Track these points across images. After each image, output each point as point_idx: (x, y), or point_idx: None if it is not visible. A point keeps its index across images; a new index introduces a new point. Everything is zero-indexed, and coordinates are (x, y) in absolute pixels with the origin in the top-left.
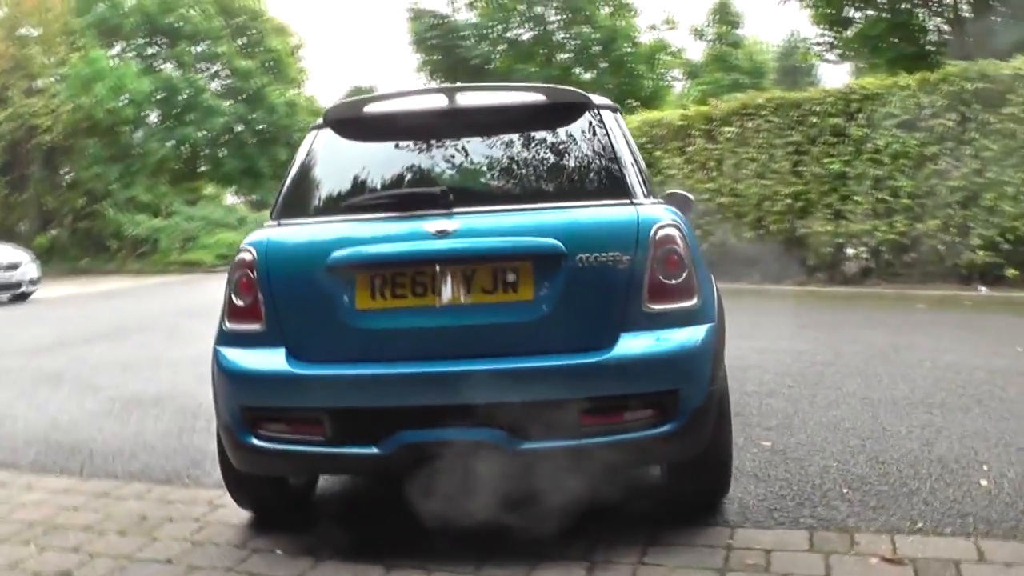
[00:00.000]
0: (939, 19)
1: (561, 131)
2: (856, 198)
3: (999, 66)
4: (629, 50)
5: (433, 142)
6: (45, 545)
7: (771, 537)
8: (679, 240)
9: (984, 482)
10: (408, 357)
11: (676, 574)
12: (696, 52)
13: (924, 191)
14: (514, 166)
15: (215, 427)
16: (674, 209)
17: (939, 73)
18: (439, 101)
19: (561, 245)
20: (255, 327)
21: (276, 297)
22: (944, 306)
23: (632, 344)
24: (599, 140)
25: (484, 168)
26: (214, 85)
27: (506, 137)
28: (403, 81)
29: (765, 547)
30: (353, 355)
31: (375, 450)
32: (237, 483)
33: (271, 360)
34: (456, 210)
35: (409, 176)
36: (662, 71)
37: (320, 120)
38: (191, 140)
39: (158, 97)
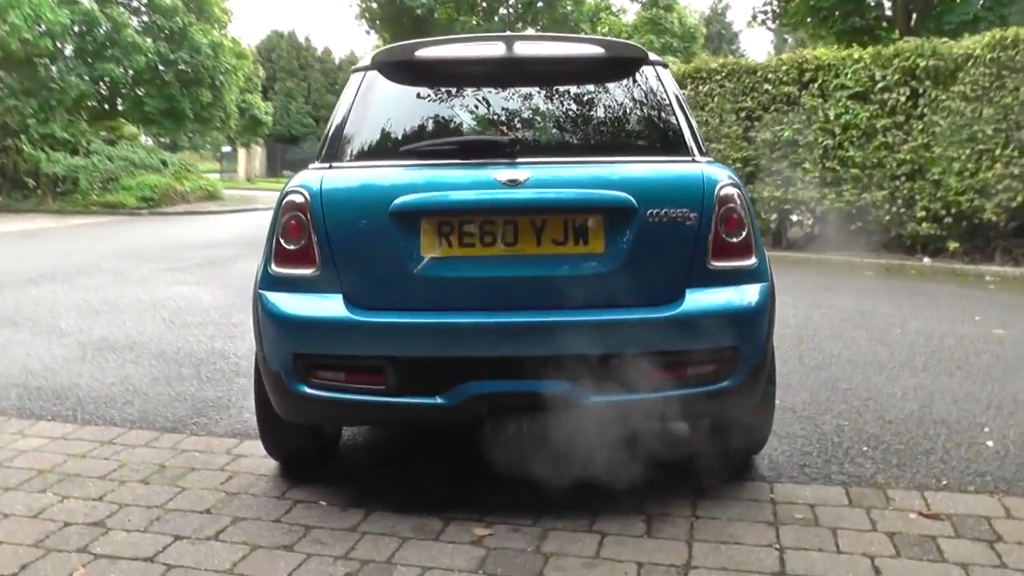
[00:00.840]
0: None
1: (620, 85)
2: (806, 166)
3: (951, 45)
4: (569, 8)
5: (489, 90)
6: (64, 494)
7: (810, 492)
8: (739, 199)
9: (990, 443)
10: (475, 307)
11: (731, 527)
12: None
13: (873, 162)
14: (575, 118)
15: (202, 373)
16: (731, 169)
17: (892, 48)
18: (495, 49)
19: (632, 199)
20: (308, 271)
21: (332, 241)
22: (891, 274)
23: (698, 300)
24: (658, 96)
25: (545, 119)
26: (135, 21)
27: (565, 88)
28: (336, 28)
29: (808, 502)
30: (417, 303)
31: (440, 400)
32: (273, 431)
33: (328, 306)
34: (520, 160)
35: (467, 124)
36: (604, 30)
37: (366, 62)
38: (112, 76)
39: (76, 31)
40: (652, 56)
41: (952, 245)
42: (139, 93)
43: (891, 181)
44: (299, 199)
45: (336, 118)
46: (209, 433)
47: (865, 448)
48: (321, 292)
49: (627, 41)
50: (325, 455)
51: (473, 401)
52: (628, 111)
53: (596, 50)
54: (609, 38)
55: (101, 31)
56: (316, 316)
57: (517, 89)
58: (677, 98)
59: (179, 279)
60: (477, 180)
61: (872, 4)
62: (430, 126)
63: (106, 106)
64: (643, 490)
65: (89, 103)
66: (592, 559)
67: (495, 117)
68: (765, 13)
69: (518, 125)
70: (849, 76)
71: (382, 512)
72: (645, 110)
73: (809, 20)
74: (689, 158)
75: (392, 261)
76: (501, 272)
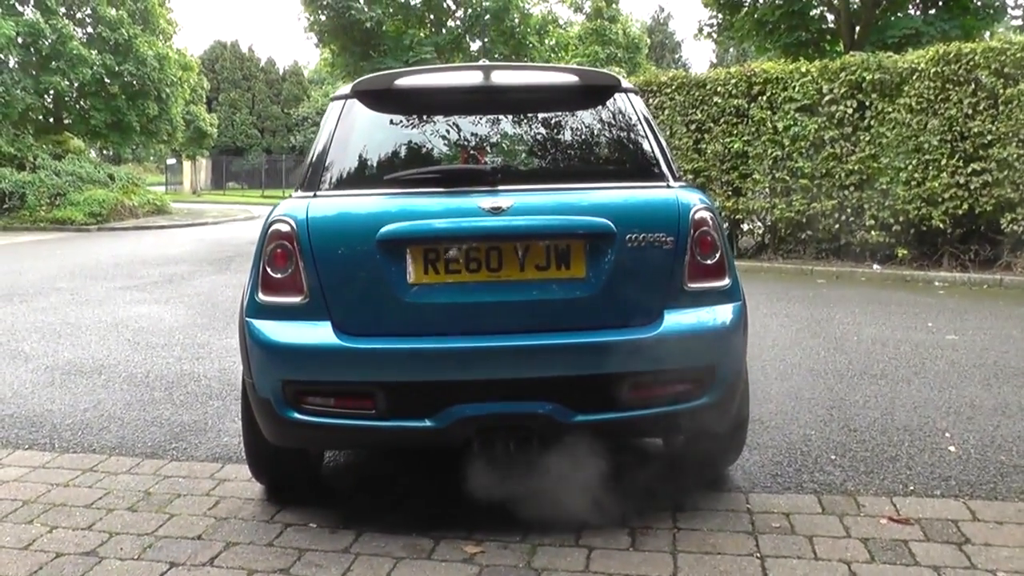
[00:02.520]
0: (823, 7)
1: (594, 112)
2: (755, 176)
3: (896, 59)
4: (516, 20)
5: (468, 118)
6: (52, 523)
7: (784, 501)
8: (711, 222)
9: (952, 448)
10: (461, 332)
11: (712, 537)
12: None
13: (822, 172)
14: (552, 145)
15: (175, 396)
16: (702, 193)
17: (839, 62)
18: (473, 78)
19: (611, 225)
20: (295, 300)
21: (320, 270)
22: (842, 282)
23: (676, 321)
24: (631, 122)
25: (524, 146)
26: (80, 33)
27: (542, 116)
28: (280, 38)
29: (783, 511)
30: (405, 329)
31: (429, 423)
32: (260, 455)
33: (317, 334)
34: (502, 188)
35: (448, 152)
36: (552, 43)
37: (345, 91)
38: (57, 89)
39: (20, 42)
40: (624, 83)
41: (901, 252)
42: (85, 106)
43: (840, 190)
44: (285, 228)
45: (318, 146)
46: (190, 458)
47: (833, 456)
48: (309, 320)
49: (600, 70)
50: (310, 478)
51: (461, 423)
52: (603, 138)
53: (570, 78)
54: (582, 67)
55: (46, 43)
56: (305, 344)
57: (495, 117)
58: (649, 123)
59: (137, 298)
60: (461, 208)
61: (816, 18)
62: (412, 154)
63: (52, 119)
64: (624, 504)
65: (35, 116)
66: (582, 573)
67: (475, 145)
68: (711, 26)
69: (498, 153)
70: (797, 89)
71: (372, 533)
72: (619, 136)
73: (755, 34)
74: (664, 183)
75: (379, 288)
76: (486, 297)
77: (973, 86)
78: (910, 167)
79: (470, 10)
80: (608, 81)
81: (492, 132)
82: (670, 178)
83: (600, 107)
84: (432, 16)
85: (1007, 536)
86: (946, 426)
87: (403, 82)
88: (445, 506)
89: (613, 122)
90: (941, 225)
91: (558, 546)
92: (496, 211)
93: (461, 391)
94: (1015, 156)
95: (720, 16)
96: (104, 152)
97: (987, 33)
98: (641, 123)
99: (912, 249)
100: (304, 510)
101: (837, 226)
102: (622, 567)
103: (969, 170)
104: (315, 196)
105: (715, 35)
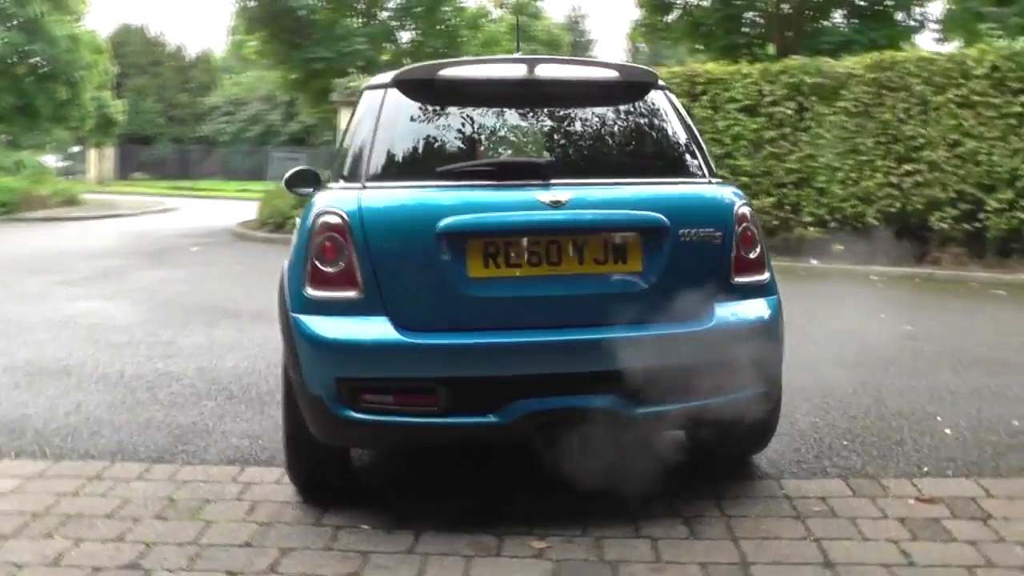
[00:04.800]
0: (754, 12)
1: (636, 107)
2: None
3: (834, 64)
4: (448, 11)
5: (512, 111)
6: (75, 536)
7: (815, 486)
8: (752, 217)
9: (948, 431)
10: (522, 326)
11: (764, 523)
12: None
13: (761, 171)
14: (596, 140)
15: (161, 397)
16: (738, 188)
17: (780, 65)
18: (516, 71)
19: (665, 220)
20: (349, 294)
21: (376, 263)
22: (783, 276)
23: (726, 314)
24: (671, 118)
25: (569, 141)
26: None
27: (585, 111)
28: (191, 23)
29: (817, 495)
30: (465, 324)
31: (493, 419)
32: (302, 455)
33: (375, 329)
34: (554, 181)
35: (495, 145)
36: (484, 37)
37: (382, 80)
38: None
39: None
40: (660, 80)
41: (837, 247)
42: None
43: (779, 188)
44: (335, 220)
45: (358, 136)
46: (202, 461)
47: (845, 442)
48: (365, 315)
49: (640, 66)
50: (348, 478)
51: (526, 418)
52: (645, 133)
53: (611, 73)
54: (622, 62)
55: None
56: (364, 340)
57: (540, 110)
58: (686, 119)
59: (78, 293)
60: (522, 201)
61: (750, 22)
62: (459, 147)
63: None
64: (669, 494)
65: None
66: (656, 563)
67: (523, 139)
68: (646, 26)
69: (546, 147)
70: (739, 90)
71: (431, 532)
72: (660, 132)
73: (691, 35)
74: (705, 179)
75: (438, 282)
76: (547, 291)
77: (906, 92)
78: (846, 167)
79: (403, 1)
80: (647, 77)
81: (537, 126)
82: (711, 174)
83: (640, 102)
84: (364, 5)
85: (1020, 509)
86: (935, 411)
87: (447, 73)
88: (492, 501)
89: (654, 117)
90: (875, 222)
91: (621, 538)
92: (556, 205)
93: (526, 386)
94: (943, 159)
95: (653, 17)
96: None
97: (909, 43)
98: (680, 119)
99: (847, 245)
100: (348, 511)
101: (776, 222)
102: (690, 555)
103: (902, 171)
104: (363, 187)
105: (649, 36)
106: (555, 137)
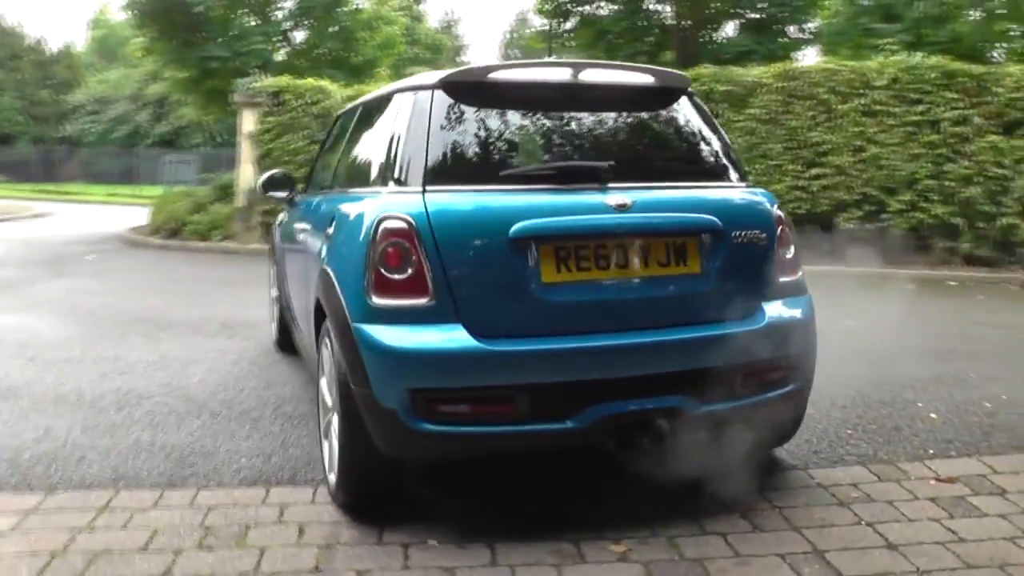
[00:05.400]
0: (657, 29)
1: (674, 112)
2: None
3: (743, 73)
4: (343, 12)
5: (561, 114)
6: (115, 575)
7: (841, 474)
8: (787, 219)
9: (934, 415)
10: (594, 330)
11: (813, 511)
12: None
13: None
14: (643, 144)
15: (136, 416)
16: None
17: (692, 73)
18: (561, 74)
19: (720, 222)
20: (420, 301)
21: (448, 269)
22: None
23: (775, 313)
24: (704, 123)
25: (617, 145)
26: None
27: (630, 115)
28: (56, 18)
29: (848, 482)
30: (539, 329)
31: (570, 424)
32: (361, 472)
33: (450, 337)
34: (613, 185)
35: (549, 148)
36: (381, 40)
37: (426, 81)
38: None
39: None
40: (690, 86)
41: None
42: None
43: None
44: (400, 225)
45: (407, 139)
46: (220, 485)
47: (848, 431)
48: (438, 323)
49: (673, 71)
50: (397, 492)
51: (602, 422)
52: (686, 138)
53: (646, 78)
54: (655, 67)
55: None
56: (441, 348)
57: (587, 114)
58: (717, 125)
59: None
60: (591, 205)
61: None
62: (515, 150)
63: None
64: (708, 491)
65: None
66: (737, 558)
67: (573, 142)
68: (552, 34)
69: (594, 151)
70: None
71: (506, 543)
72: (699, 137)
73: (596, 43)
74: (744, 183)
75: (511, 287)
76: (616, 295)
77: (813, 101)
78: (756, 171)
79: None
80: (681, 83)
81: (588, 129)
82: (743, 177)
83: (675, 106)
84: (257, 3)
85: None
86: (913, 398)
87: (497, 76)
88: (550, 506)
89: (690, 122)
90: None
91: (690, 536)
92: (622, 208)
93: (601, 390)
94: (848, 163)
95: (554, 23)
96: None
97: (801, 54)
98: (710, 124)
99: None
100: (406, 527)
101: None
102: (765, 548)
103: (809, 175)
104: (424, 191)
105: (553, 42)
106: (604, 141)
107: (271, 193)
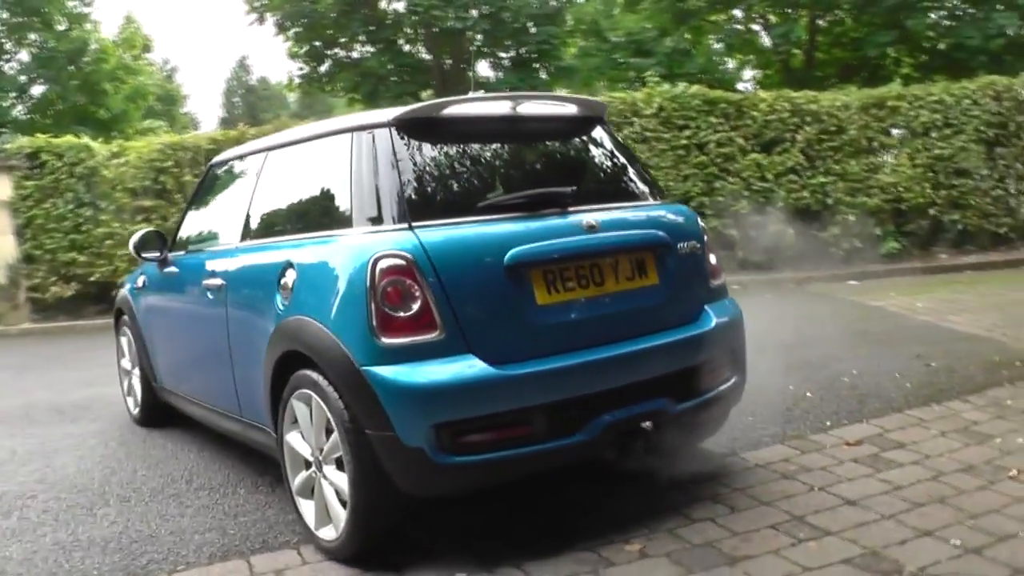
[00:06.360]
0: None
1: (594, 137)
2: None
3: (625, 95)
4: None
5: (509, 145)
6: None
7: (769, 453)
8: (706, 229)
9: (809, 394)
10: (585, 345)
11: (772, 487)
12: None
13: None
14: (582, 168)
15: (29, 517)
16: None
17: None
18: (503, 107)
19: (668, 236)
20: (429, 336)
21: (453, 302)
22: None
23: (716, 314)
24: (621, 147)
25: (564, 169)
26: None
27: (565, 142)
28: None
29: (780, 459)
30: (540, 350)
31: (580, 437)
32: (377, 518)
33: (466, 367)
34: (571, 209)
35: (504, 177)
36: (129, 91)
37: (375, 119)
38: None
39: None
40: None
41: None
42: None
43: None
44: (400, 262)
45: (371, 178)
46: (190, 565)
47: (749, 418)
48: (450, 355)
49: (590, 98)
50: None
51: (606, 431)
52: (613, 160)
53: (570, 108)
54: (575, 96)
55: None
56: (462, 380)
57: (533, 143)
58: (629, 148)
59: None
60: (567, 227)
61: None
62: (482, 181)
63: None
64: (674, 483)
65: None
66: (737, 536)
67: (528, 170)
68: (304, 76)
69: (549, 177)
70: None
71: (530, 562)
72: (621, 159)
73: (361, 85)
74: (667, 200)
75: (510, 312)
76: (598, 310)
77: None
78: None
79: (36, 51)
80: (600, 111)
81: (536, 157)
82: (662, 195)
83: (598, 132)
84: None
85: (913, 434)
86: (783, 382)
87: (448, 112)
88: (543, 520)
89: (613, 146)
90: None
91: (685, 526)
92: (592, 229)
93: (602, 401)
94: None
95: (305, 68)
96: None
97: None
98: (626, 147)
99: None
100: (424, 567)
101: None
102: (753, 523)
103: None
104: (410, 228)
105: (305, 85)
106: (551, 167)
107: (145, 254)
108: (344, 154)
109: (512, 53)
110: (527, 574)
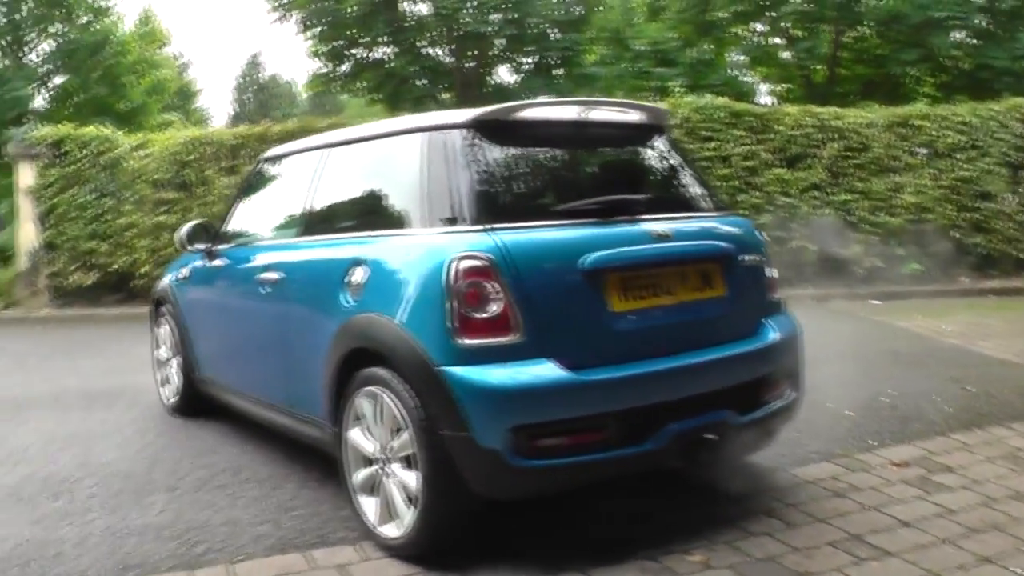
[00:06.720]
0: (414, 67)
1: (664, 145)
2: None
3: None
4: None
5: (579, 150)
6: None
7: (815, 470)
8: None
9: (850, 413)
10: (654, 354)
11: (825, 504)
12: None
13: None
14: (650, 176)
15: (71, 504)
16: None
17: None
18: (572, 113)
19: (733, 248)
20: (507, 339)
21: (530, 305)
22: None
23: (776, 328)
24: (684, 156)
25: (632, 177)
26: None
27: (632, 149)
28: None
29: (828, 476)
30: (613, 356)
31: (649, 446)
32: (453, 518)
33: (544, 371)
34: (641, 217)
35: (580, 183)
36: (148, 85)
37: (452, 120)
38: None
39: None
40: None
41: None
42: None
43: None
44: (480, 264)
45: (447, 179)
46: (248, 556)
47: (795, 434)
48: (528, 358)
49: (653, 105)
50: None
51: (674, 440)
52: (677, 170)
53: (638, 115)
54: (641, 103)
55: None
56: (541, 383)
57: (601, 149)
58: (692, 158)
59: None
60: (639, 235)
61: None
62: (556, 186)
63: None
64: (725, 498)
65: None
66: (798, 551)
67: (599, 177)
68: (328, 77)
69: (619, 183)
70: None
71: (594, 568)
72: (685, 169)
73: (384, 86)
74: (728, 211)
75: (585, 318)
76: (669, 319)
77: None
78: None
79: (58, 42)
80: (664, 118)
81: (604, 164)
82: (722, 207)
83: (663, 140)
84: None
85: (960, 459)
86: (821, 399)
87: (521, 115)
88: (603, 528)
89: (677, 155)
90: None
91: (741, 538)
92: (663, 239)
93: (672, 410)
94: None
95: (329, 67)
96: None
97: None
98: (689, 156)
99: None
100: (486, 570)
101: None
102: (811, 540)
103: None
104: (487, 229)
105: (326, 84)
106: (621, 174)
107: (194, 245)
108: (417, 154)
109: (534, 59)
110: None
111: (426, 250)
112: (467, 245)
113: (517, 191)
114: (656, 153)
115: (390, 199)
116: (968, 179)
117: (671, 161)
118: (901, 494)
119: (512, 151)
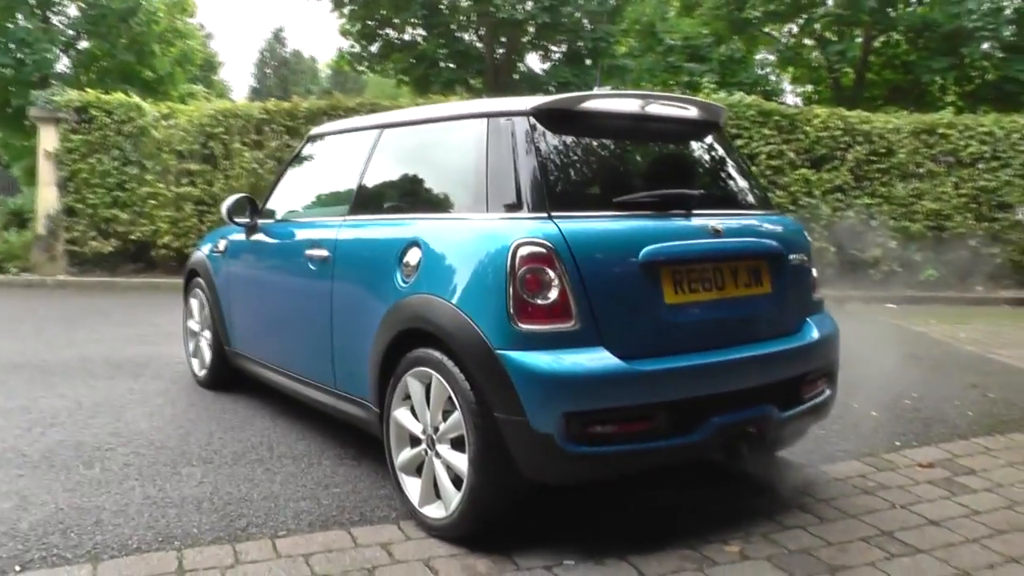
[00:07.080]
0: (444, 50)
1: (717, 142)
2: None
3: None
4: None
5: (639, 143)
6: None
7: (845, 468)
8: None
9: (875, 413)
10: (704, 347)
11: (855, 500)
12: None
13: None
14: (702, 172)
15: (106, 471)
16: None
17: None
18: (634, 105)
19: (781, 247)
20: (565, 326)
21: (587, 293)
22: None
23: (818, 327)
24: (736, 154)
25: (687, 172)
26: None
27: (688, 144)
28: None
29: (856, 474)
30: (666, 348)
31: (695, 437)
32: (502, 498)
33: (599, 359)
34: (694, 212)
35: (638, 176)
36: (177, 54)
37: (515, 107)
38: None
39: None
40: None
41: None
42: None
43: None
44: (540, 250)
45: (510, 165)
46: (291, 532)
47: (821, 432)
48: (583, 346)
49: (709, 102)
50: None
51: (717, 433)
52: (729, 167)
53: (695, 111)
54: (696, 98)
55: None
56: (596, 370)
57: (660, 143)
58: (743, 156)
59: None
60: (695, 230)
61: (475, 57)
62: (616, 177)
63: None
64: (755, 492)
65: None
66: (832, 546)
67: (656, 170)
68: (355, 55)
69: (674, 178)
70: None
71: (634, 555)
72: (738, 166)
73: (415, 68)
74: (776, 211)
75: (641, 308)
76: (719, 314)
77: None
78: None
79: (86, 6)
80: (720, 116)
81: (662, 157)
82: (771, 205)
83: (716, 137)
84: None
85: (982, 462)
86: (845, 400)
87: (585, 105)
88: (634, 517)
89: (730, 153)
90: None
91: (776, 531)
92: (717, 234)
93: (718, 403)
94: None
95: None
96: None
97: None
98: (740, 155)
99: None
100: (531, 551)
101: None
102: (844, 535)
103: None
104: (549, 217)
105: (356, 64)
106: (677, 168)
107: (236, 219)
108: (479, 138)
109: (565, 48)
110: (634, 567)
111: (488, 235)
112: (529, 231)
113: (577, 180)
114: (712, 149)
115: (448, 182)
116: (988, 189)
117: (725, 158)
118: (928, 494)
119: (573, 141)
